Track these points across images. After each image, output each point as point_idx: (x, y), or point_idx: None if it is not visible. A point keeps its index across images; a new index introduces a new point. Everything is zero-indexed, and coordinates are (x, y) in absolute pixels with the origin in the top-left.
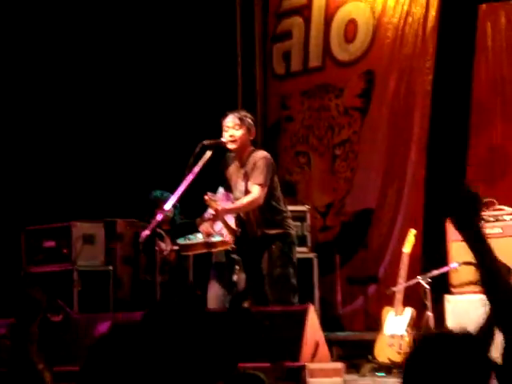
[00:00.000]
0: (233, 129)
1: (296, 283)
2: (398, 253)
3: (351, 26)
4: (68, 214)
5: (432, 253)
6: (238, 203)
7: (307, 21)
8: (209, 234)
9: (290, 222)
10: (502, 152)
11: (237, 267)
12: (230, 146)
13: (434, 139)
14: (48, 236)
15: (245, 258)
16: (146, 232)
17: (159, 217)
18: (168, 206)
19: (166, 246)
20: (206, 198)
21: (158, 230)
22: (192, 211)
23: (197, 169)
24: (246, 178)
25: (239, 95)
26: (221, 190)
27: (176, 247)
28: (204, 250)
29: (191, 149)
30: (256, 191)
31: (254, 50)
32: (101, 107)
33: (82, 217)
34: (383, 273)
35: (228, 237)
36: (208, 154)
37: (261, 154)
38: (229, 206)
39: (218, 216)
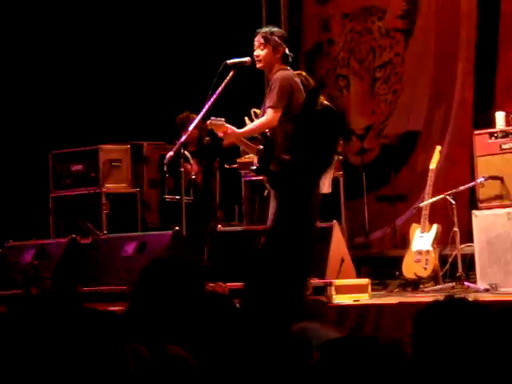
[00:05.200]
0: (258, 48)
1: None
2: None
3: None
4: (95, 138)
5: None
6: (250, 126)
7: None
8: None
9: None
10: None
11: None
12: (257, 65)
13: (480, 60)
14: (75, 159)
15: (270, 177)
16: (170, 153)
17: (183, 138)
18: (191, 127)
19: (192, 168)
20: (208, 122)
21: (184, 152)
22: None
23: (219, 89)
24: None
25: (263, 16)
26: (247, 120)
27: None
28: None
29: (216, 69)
30: (269, 113)
31: None
32: (130, 31)
33: (109, 140)
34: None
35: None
36: (231, 73)
37: (280, 74)
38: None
39: (228, 138)
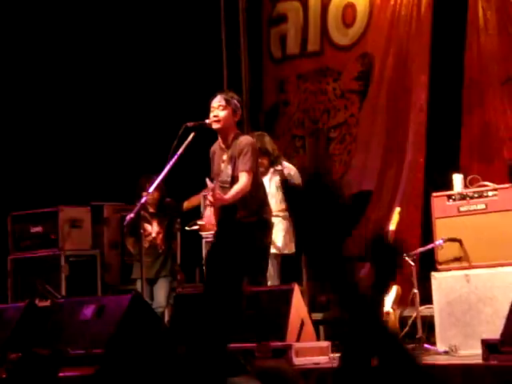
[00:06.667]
0: (218, 109)
1: (267, 266)
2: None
3: (349, 10)
4: (54, 199)
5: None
6: (231, 193)
7: (305, 5)
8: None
9: (268, 208)
10: (493, 129)
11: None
12: (214, 125)
13: (432, 121)
14: (35, 221)
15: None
16: (131, 215)
17: (143, 199)
18: (152, 188)
19: (152, 229)
20: (211, 187)
21: (144, 213)
22: (178, 193)
23: (180, 151)
24: (233, 161)
25: (225, 79)
26: (208, 181)
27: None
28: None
29: (177, 132)
30: (244, 178)
31: (238, 34)
32: (86, 93)
33: (69, 201)
34: None
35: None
36: (191, 135)
37: (246, 139)
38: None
39: (215, 205)
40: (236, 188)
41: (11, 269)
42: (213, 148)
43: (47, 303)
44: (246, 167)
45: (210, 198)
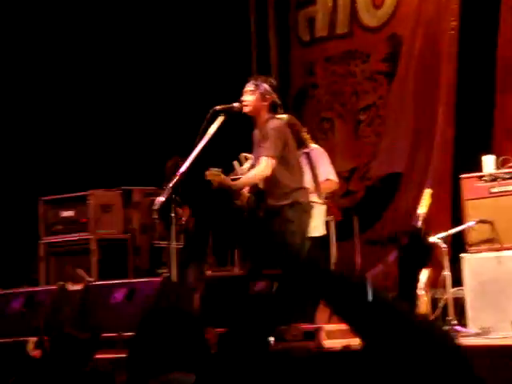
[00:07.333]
0: (246, 94)
1: (302, 248)
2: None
3: None
4: (85, 183)
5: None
6: (245, 177)
7: None
8: None
9: (304, 191)
10: None
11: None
12: (244, 109)
13: (461, 100)
14: (66, 205)
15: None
16: (161, 199)
17: (172, 183)
18: (181, 171)
19: (183, 213)
20: (207, 173)
21: (174, 197)
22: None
23: (209, 134)
24: (260, 145)
25: (253, 63)
26: (235, 164)
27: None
28: None
29: (206, 115)
30: (263, 163)
31: (267, 18)
32: (118, 77)
33: (99, 186)
34: None
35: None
36: (220, 119)
37: (274, 123)
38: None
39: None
40: (250, 173)
41: (43, 253)
42: (254, 131)
43: (79, 287)
44: (267, 152)
45: (217, 184)
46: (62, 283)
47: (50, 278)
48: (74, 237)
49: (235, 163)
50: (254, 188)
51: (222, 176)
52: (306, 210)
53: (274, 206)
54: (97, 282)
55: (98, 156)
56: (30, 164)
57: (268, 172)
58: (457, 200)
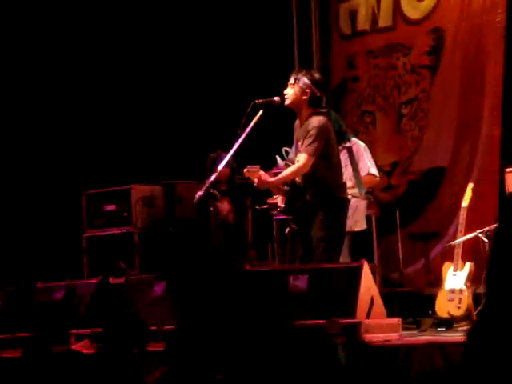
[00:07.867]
0: (288, 87)
1: (340, 242)
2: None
3: None
4: (128, 177)
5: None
6: (283, 174)
7: None
8: None
9: (342, 187)
10: None
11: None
12: (285, 102)
13: (508, 95)
14: (108, 199)
15: (295, 220)
16: (200, 193)
17: (213, 177)
18: (221, 166)
19: (223, 207)
20: (245, 170)
21: (214, 191)
22: None
23: (249, 128)
24: (300, 141)
25: (296, 56)
26: (278, 158)
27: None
28: None
29: (247, 108)
30: (302, 160)
31: (309, 11)
32: (161, 71)
33: (142, 180)
34: (454, 231)
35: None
36: (260, 112)
37: (316, 121)
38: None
39: (262, 186)
40: (288, 170)
41: (86, 246)
42: (295, 124)
43: (121, 280)
44: (307, 150)
45: (256, 181)
46: (102, 276)
47: (93, 272)
48: (117, 230)
49: (277, 157)
50: (291, 182)
51: (261, 172)
52: (343, 205)
53: (313, 201)
54: (138, 276)
55: (141, 150)
56: (73, 159)
57: (306, 170)
58: (502, 195)
